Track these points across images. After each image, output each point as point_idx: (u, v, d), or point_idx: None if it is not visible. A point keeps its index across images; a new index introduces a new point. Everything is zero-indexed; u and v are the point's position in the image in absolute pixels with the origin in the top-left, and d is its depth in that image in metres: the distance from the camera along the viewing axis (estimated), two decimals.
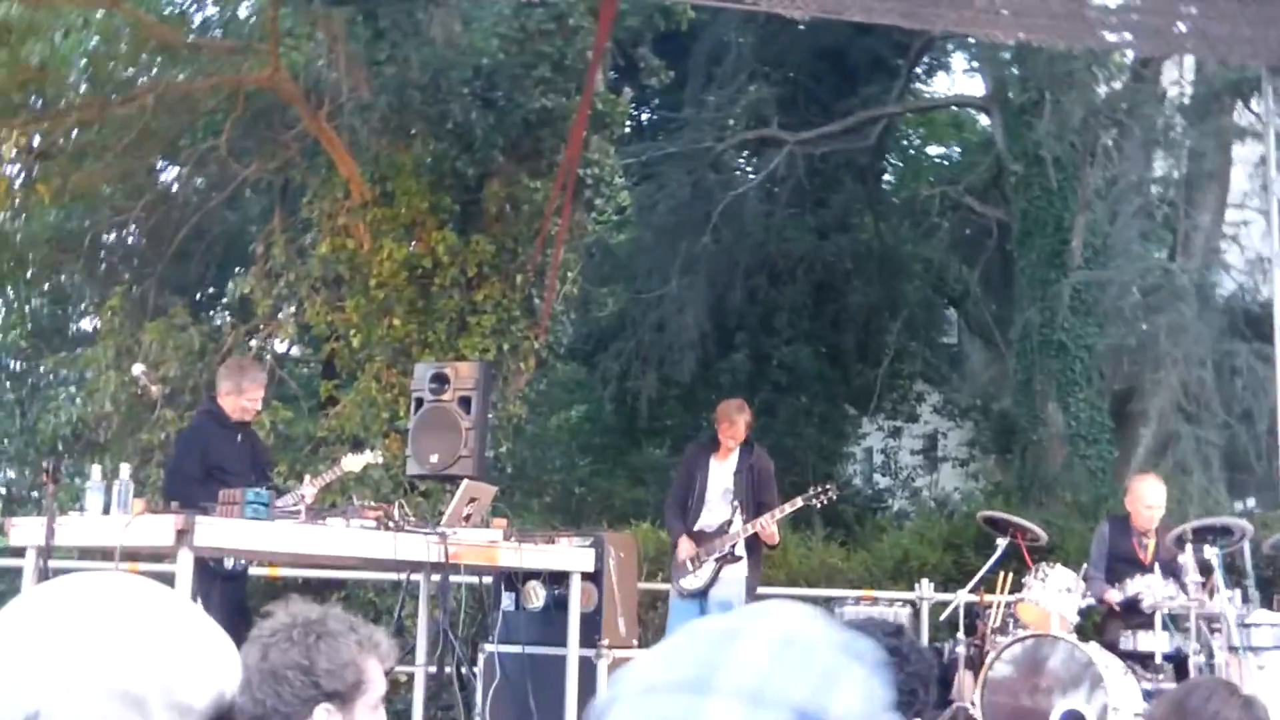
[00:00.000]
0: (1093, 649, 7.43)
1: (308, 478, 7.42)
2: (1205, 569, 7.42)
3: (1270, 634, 7.34)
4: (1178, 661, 7.41)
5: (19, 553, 6.12)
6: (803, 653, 1.46)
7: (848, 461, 21.81)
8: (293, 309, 13.22)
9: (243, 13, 15.02)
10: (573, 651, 7.08)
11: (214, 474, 6.80)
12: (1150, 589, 7.53)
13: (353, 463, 7.64)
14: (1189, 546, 7.43)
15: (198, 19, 14.87)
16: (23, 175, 14.18)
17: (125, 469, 5.91)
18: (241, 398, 7.36)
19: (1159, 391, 15.34)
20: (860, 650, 1.50)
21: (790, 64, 19.45)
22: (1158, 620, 7.42)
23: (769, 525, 8.14)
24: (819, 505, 8.50)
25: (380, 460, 7.31)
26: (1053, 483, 15.25)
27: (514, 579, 7.46)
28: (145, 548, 5.97)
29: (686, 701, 1.45)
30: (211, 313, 14.87)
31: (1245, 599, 7.51)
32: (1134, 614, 7.66)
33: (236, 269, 13.22)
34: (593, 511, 15.62)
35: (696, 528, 8.31)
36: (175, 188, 15.80)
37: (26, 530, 5.92)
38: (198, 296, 15.35)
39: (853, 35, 17.99)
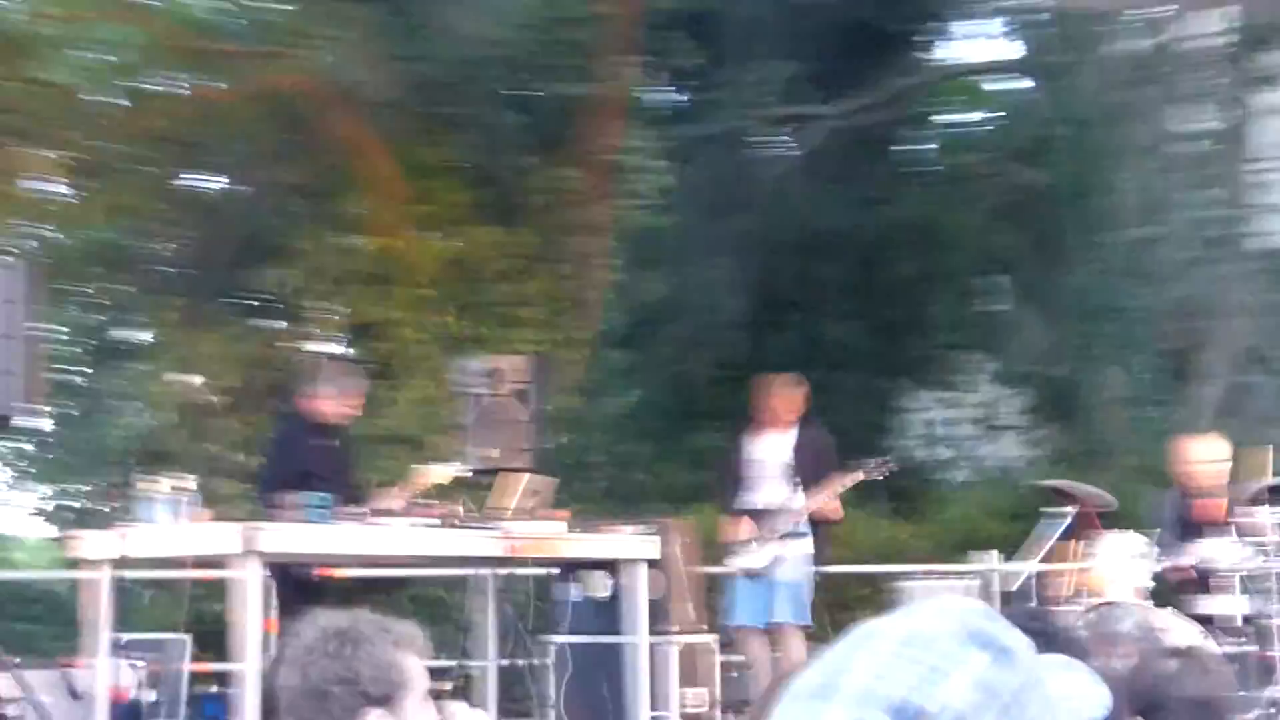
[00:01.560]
0: (1165, 615, 7.33)
1: (395, 489, 7.31)
2: (1268, 529, 7.29)
3: None
4: (1259, 623, 7.28)
5: (88, 565, 6.14)
6: (920, 647, 1.41)
7: (904, 434, 21.65)
8: (341, 305, 13.24)
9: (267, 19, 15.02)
10: (643, 639, 7.05)
11: (305, 479, 6.71)
12: (1224, 551, 7.40)
13: (440, 474, 7.43)
14: (1264, 506, 7.29)
15: (228, 25, 14.87)
16: (71, 192, 14.32)
17: (191, 480, 5.93)
18: (343, 402, 7.34)
19: (1220, 346, 15.11)
20: (991, 638, 1.43)
21: (823, 38, 19.26)
22: (1233, 582, 7.29)
23: (829, 501, 8.07)
24: (881, 478, 8.40)
25: (459, 472, 7.25)
26: (1115, 447, 15.07)
27: (577, 570, 7.43)
28: (214, 556, 5.98)
29: (811, 708, 1.41)
30: (263, 319, 14.92)
31: None
32: (1210, 577, 7.53)
33: (277, 272, 13.26)
34: (652, 497, 15.57)
35: (757, 506, 8.23)
36: (219, 196, 15.88)
37: (96, 543, 5.96)
38: (249, 302, 15.41)
39: (872, 7, 17.83)
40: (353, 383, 7.52)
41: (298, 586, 6.83)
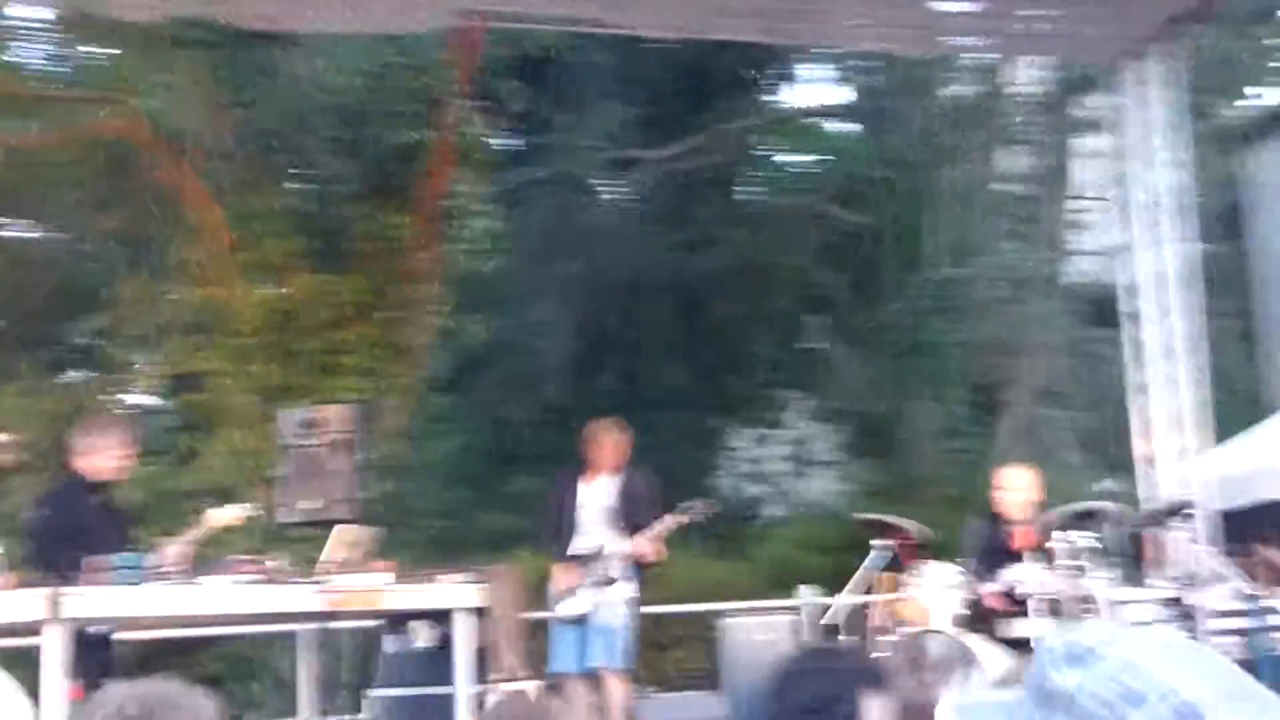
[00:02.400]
0: (972, 639, 7.59)
1: (175, 537, 7.15)
2: (1076, 553, 7.62)
3: (1140, 610, 7.58)
4: None
5: None
6: None
7: (720, 473, 21.94)
8: (154, 357, 12.92)
9: (93, 64, 14.66)
10: (463, 690, 7.00)
11: (77, 537, 6.54)
12: (1025, 577, 7.70)
13: (218, 517, 7.33)
14: (1060, 532, 7.62)
15: (49, 70, 14.47)
16: None
17: None
18: (98, 456, 7.10)
19: (1022, 381, 15.74)
20: None
21: (649, 83, 19.57)
22: (1034, 606, 7.59)
23: (646, 546, 8.13)
24: (691, 521, 8.49)
25: (248, 513, 7.13)
26: (926, 479, 15.54)
27: (398, 620, 7.37)
28: (16, 623, 5.79)
29: None
30: (70, 369, 14.46)
31: (1111, 579, 7.73)
32: (1013, 603, 7.83)
33: (93, 322, 12.87)
34: (470, 543, 15.49)
35: (573, 552, 8.25)
36: (31, 244, 15.38)
37: None
38: (54, 353, 14.92)
39: (710, 51, 18.17)
40: (111, 434, 7.27)
41: (93, 646, 6.64)
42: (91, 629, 6.62)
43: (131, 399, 12.48)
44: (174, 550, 6.54)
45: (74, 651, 6.03)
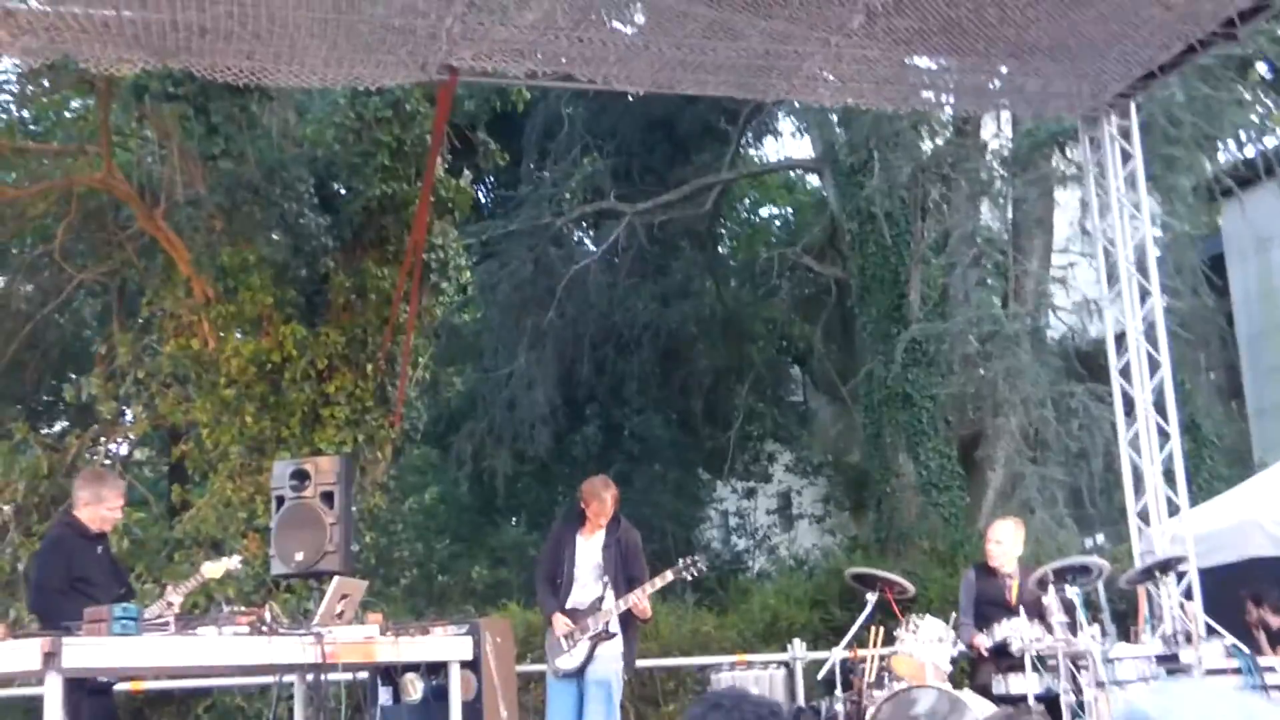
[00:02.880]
0: (965, 695, 7.59)
1: (169, 587, 7.17)
2: (1068, 608, 7.64)
3: (1133, 667, 7.57)
4: (1049, 701, 7.58)
5: None
6: None
7: (705, 525, 21.97)
8: (140, 409, 12.85)
9: (68, 116, 14.69)
10: None
11: (78, 586, 6.55)
12: (1017, 632, 7.71)
13: (213, 569, 7.41)
14: (1051, 587, 7.64)
15: (19, 123, 14.47)
16: None
17: None
18: (101, 507, 7.14)
19: (1002, 435, 15.81)
20: None
21: (623, 136, 19.75)
22: (1027, 662, 7.60)
23: (641, 601, 8.13)
24: (689, 578, 8.50)
25: (239, 565, 7.13)
26: (909, 532, 15.56)
27: (391, 673, 7.31)
28: (13, 674, 5.72)
29: None
30: (52, 423, 14.38)
31: (1104, 633, 7.74)
32: (1004, 657, 7.83)
33: (73, 374, 12.82)
34: (454, 595, 15.45)
35: (569, 605, 8.24)
36: (6, 296, 15.32)
37: None
38: (35, 406, 14.84)
39: (683, 105, 18.37)
40: (110, 486, 7.33)
41: (84, 691, 6.60)
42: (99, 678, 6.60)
43: (118, 450, 12.37)
44: (172, 600, 6.53)
45: (74, 701, 5.97)
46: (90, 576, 6.84)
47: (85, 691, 6.61)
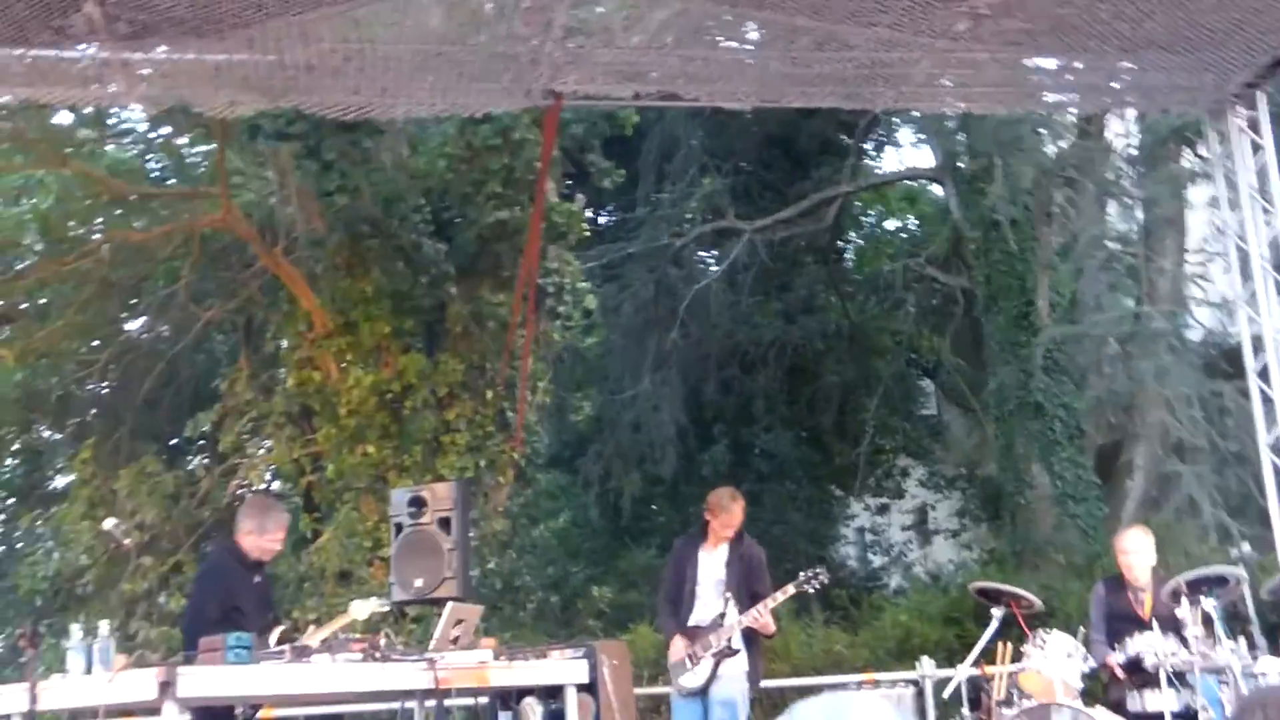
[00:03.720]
0: (1099, 713, 7.32)
1: (312, 628, 7.13)
2: (1207, 620, 7.31)
3: (1275, 683, 7.23)
4: (1188, 718, 7.27)
5: None
6: None
7: (839, 543, 21.70)
8: (263, 447, 13.12)
9: (191, 159, 15.14)
10: None
11: (232, 615, 6.55)
12: (1151, 647, 7.40)
13: (360, 609, 7.14)
14: (1184, 599, 7.33)
15: (145, 168, 14.97)
16: None
17: (104, 625, 5.77)
18: (264, 538, 7.18)
19: (1146, 439, 15.31)
20: None
21: (740, 153, 19.67)
22: (1163, 678, 7.29)
23: (764, 616, 8.00)
24: (812, 590, 8.36)
25: (387, 607, 7.10)
26: (1045, 545, 15.17)
27: (509, 698, 7.30)
28: (131, 704, 5.82)
29: None
30: (187, 457, 14.76)
31: (1251, 646, 7.39)
32: (1139, 674, 7.52)
33: (215, 407, 13.16)
34: (586, 619, 15.44)
35: (691, 623, 8.13)
36: (141, 336, 15.81)
37: (9, 697, 5.77)
38: (172, 442, 15.25)
39: (799, 119, 18.24)
40: (274, 518, 7.38)
41: None
42: (240, 710, 6.65)
43: (250, 483, 12.64)
44: (318, 638, 6.52)
45: None
46: (243, 606, 6.84)
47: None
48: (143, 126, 14.37)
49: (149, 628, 10.18)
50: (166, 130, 13.96)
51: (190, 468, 14.06)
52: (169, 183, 14.80)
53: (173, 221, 13.57)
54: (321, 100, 8.65)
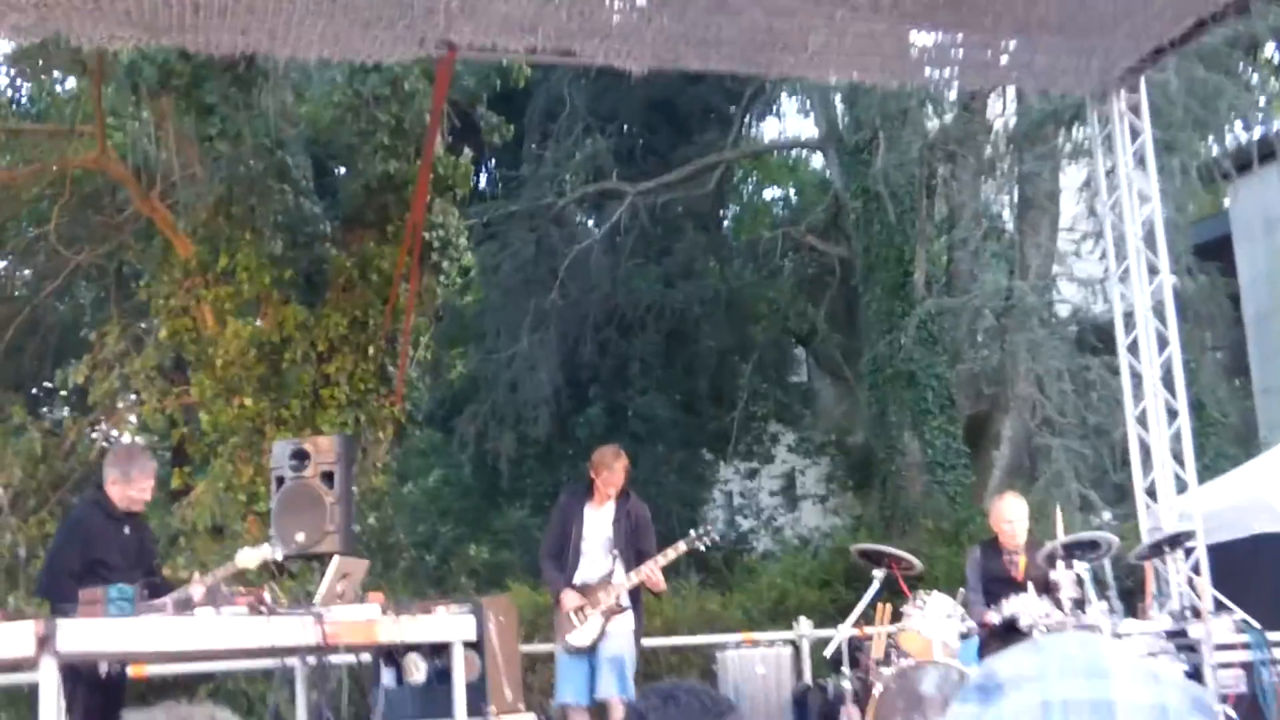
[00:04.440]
0: (973, 671, 7.50)
1: (196, 575, 6.93)
2: (1077, 583, 7.55)
3: (1142, 643, 7.50)
4: None
5: None
6: None
7: (709, 506, 21.90)
8: (132, 397, 12.75)
9: (62, 97, 14.59)
10: None
11: (96, 569, 6.31)
12: (1026, 607, 7.61)
13: (248, 558, 6.92)
14: (1059, 563, 7.54)
15: (12, 104, 14.40)
16: None
17: None
18: (130, 487, 6.94)
19: (1015, 411, 15.71)
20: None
21: (625, 116, 19.63)
22: (1036, 638, 7.48)
23: (655, 573, 8.03)
24: (704, 549, 8.42)
25: (275, 555, 6.90)
26: (914, 511, 15.48)
27: (394, 654, 7.22)
28: (4, 660, 5.63)
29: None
30: (49, 408, 14.30)
31: (1111, 610, 7.65)
32: (1013, 634, 7.72)
33: (72, 360, 12.71)
34: (457, 578, 15.37)
35: (576, 580, 8.11)
36: (3, 279, 15.26)
37: None
38: (34, 391, 14.77)
39: (685, 84, 18.24)
40: (139, 465, 7.15)
41: (90, 686, 6.46)
42: (104, 669, 6.43)
43: (116, 436, 12.26)
44: (196, 590, 6.34)
45: (77, 689, 5.88)
46: (109, 560, 6.60)
47: (89, 687, 6.44)
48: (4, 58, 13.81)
49: (20, 596, 9.82)
50: (37, 66, 13.42)
51: (57, 419, 13.59)
52: (37, 122, 14.24)
53: (42, 161, 13.08)
54: (207, 39, 8.38)
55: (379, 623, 6.59)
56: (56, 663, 5.18)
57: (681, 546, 8.13)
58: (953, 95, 15.63)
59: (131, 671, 8.26)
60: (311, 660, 6.89)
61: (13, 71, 14.02)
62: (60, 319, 15.05)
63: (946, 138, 16.76)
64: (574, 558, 8.14)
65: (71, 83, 14.03)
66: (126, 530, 6.98)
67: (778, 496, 23.46)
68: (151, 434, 12.36)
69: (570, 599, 8.03)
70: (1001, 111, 17.03)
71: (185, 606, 6.04)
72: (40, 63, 12.92)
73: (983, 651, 8.20)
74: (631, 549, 8.08)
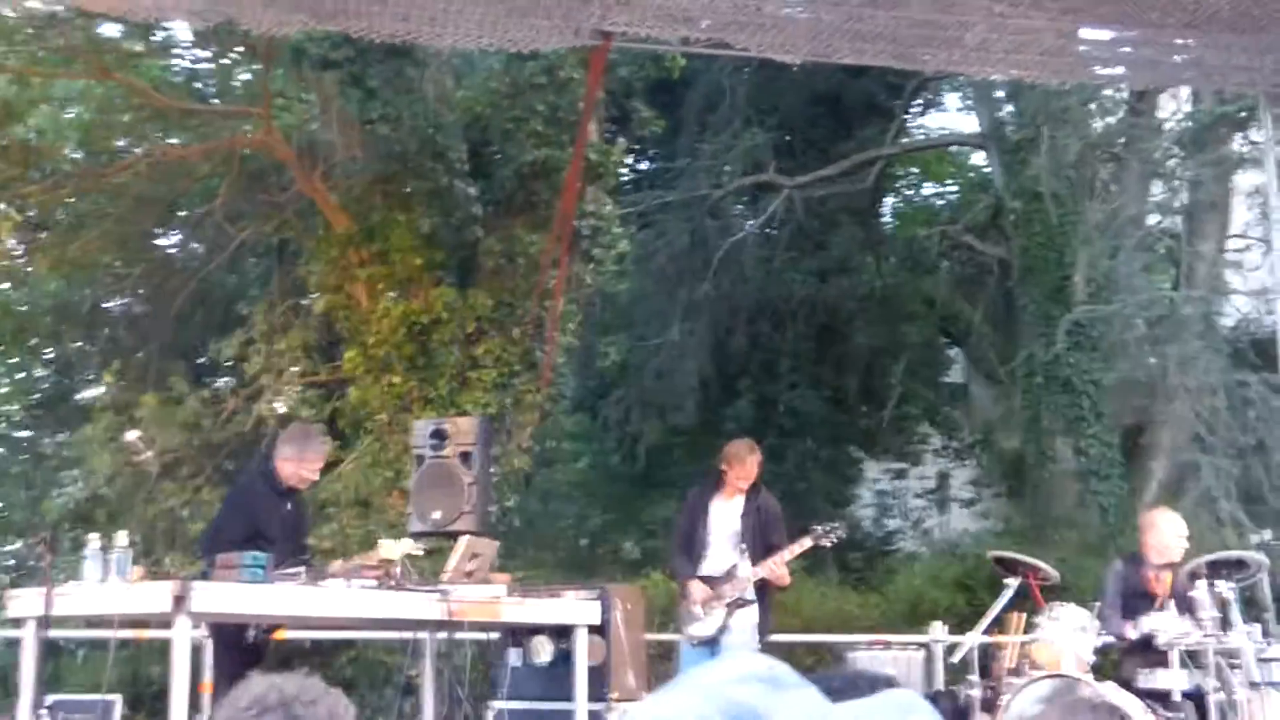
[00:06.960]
0: (1109, 688, 7.30)
1: (339, 563, 7.08)
2: (1222, 604, 7.28)
3: None
4: (1197, 699, 7.24)
5: (20, 624, 6.00)
6: None
7: (856, 505, 21.69)
8: (293, 370, 13.12)
9: (236, 79, 15.08)
10: (581, 706, 6.96)
11: (255, 539, 6.51)
12: (1165, 626, 7.38)
13: (390, 549, 7.05)
14: (1203, 582, 7.29)
15: (190, 85, 14.94)
16: (21, 247, 14.24)
17: (122, 536, 5.78)
18: (303, 466, 7.14)
19: (1170, 424, 15.23)
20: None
21: (785, 109, 19.51)
22: (1174, 657, 7.26)
23: (778, 568, 8.00)
24: (829, 545, 8.34)
25: (420, 551, 7.04)
26: (1063, 520, 15.11)
27: (520, 634, 7.34)
28: (144, 615, 5.87)
29: None
30: (212, 379, 14.80)
31: (1265, 633, 7.37)
32: (1150, 652, 7.50)
33: (235, 332, 13.15)
34: (604, 564, 15.50)
35: (703, 573, 8.13)
36: (174, 253, 15.83)
37: (25, 601, 5.83)
38: (199, 361, 15.31)
39: (846, 78, 18.07)
40: (314, 446, 7.36)
41: (235, 648, 6.70)
42: (251, 634, 6.64)
43: (274, 408, 12.61)
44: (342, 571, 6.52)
45: (227, 651, 6.11)
46: (268, 532, 6.79)
47: (233, 648, 6.67)
48: (188, 42, 14.34)
49: (171, 554, 10.21)
50: (212, 49, 13.91)
51: (216, 388, 14.05)
52: (212, 101, 14.75)
53: (213, 139, 13.54)
54: (369, 25, 8.57)
55: (504, 602, 6.71)
56: (190, 621, 5.39)
57: (806, 542, 8.08)
58: (1119, 95, 15.20)
59: (275, 636, 8.53)
60: (441, 635, 7.05)
61: (195, 54, 14.56)
62: (226, 293, 15.56)
63: (1112, 138, 16.30)
64: (701, 550, 8.15)
65: (242, 66, 14.49)
66: (288, 505, 7.20)
67: (923, 498, 23.13)
68: (306, 406, 12.68)
69: (696, 590, 8.05)
70: (1174, 111, 16.50)
71: (318, 576, 6.24)
72: (214, 49, 13.38)
73: (1120, 668, 7.99)
74: (760, 543, 8.06)
